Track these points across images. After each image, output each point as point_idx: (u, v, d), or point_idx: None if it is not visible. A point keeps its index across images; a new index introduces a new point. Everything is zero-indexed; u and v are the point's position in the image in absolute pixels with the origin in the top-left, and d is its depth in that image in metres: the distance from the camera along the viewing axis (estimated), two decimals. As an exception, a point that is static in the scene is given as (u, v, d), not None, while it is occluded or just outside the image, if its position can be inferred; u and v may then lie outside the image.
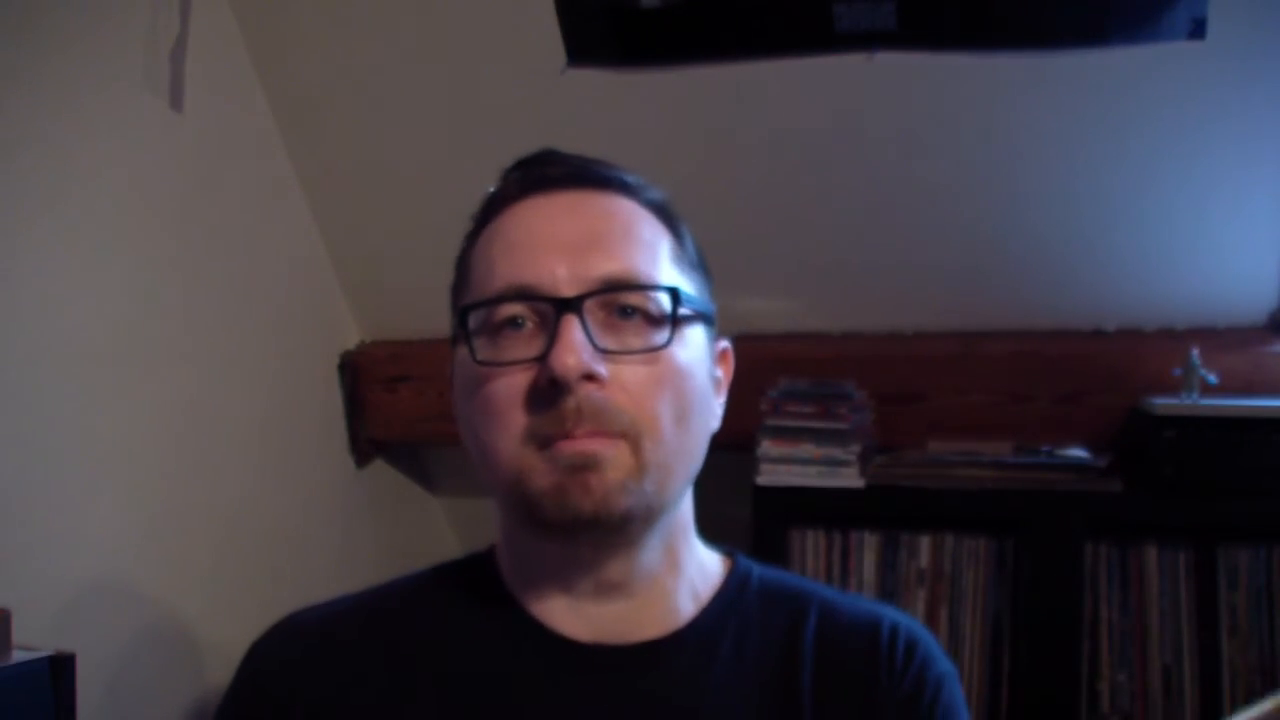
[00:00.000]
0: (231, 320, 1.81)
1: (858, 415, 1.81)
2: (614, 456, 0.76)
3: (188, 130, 1.68)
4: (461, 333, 0.80)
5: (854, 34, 1.64)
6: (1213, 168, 1.70)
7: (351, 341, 2.18)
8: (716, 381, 0.87)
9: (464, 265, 0.86)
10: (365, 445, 2.19)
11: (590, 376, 0.75)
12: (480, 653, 0.83)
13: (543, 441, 0.76)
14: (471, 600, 0.86)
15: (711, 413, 0.85)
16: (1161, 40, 1.56)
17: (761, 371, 1.85)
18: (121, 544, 1.57)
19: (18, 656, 1.22)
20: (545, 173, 0.84)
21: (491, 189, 0.86)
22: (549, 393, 0.76)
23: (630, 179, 0.85)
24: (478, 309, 0.80)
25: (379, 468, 2.25)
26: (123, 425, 1.58)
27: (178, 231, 1.69)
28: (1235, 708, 1.62)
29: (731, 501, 1.78)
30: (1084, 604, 1.69)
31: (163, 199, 1.66)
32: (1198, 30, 1.54)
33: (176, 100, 1.65)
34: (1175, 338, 1.83)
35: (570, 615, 0.82)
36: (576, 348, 0.75)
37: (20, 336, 1.43)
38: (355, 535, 2.15)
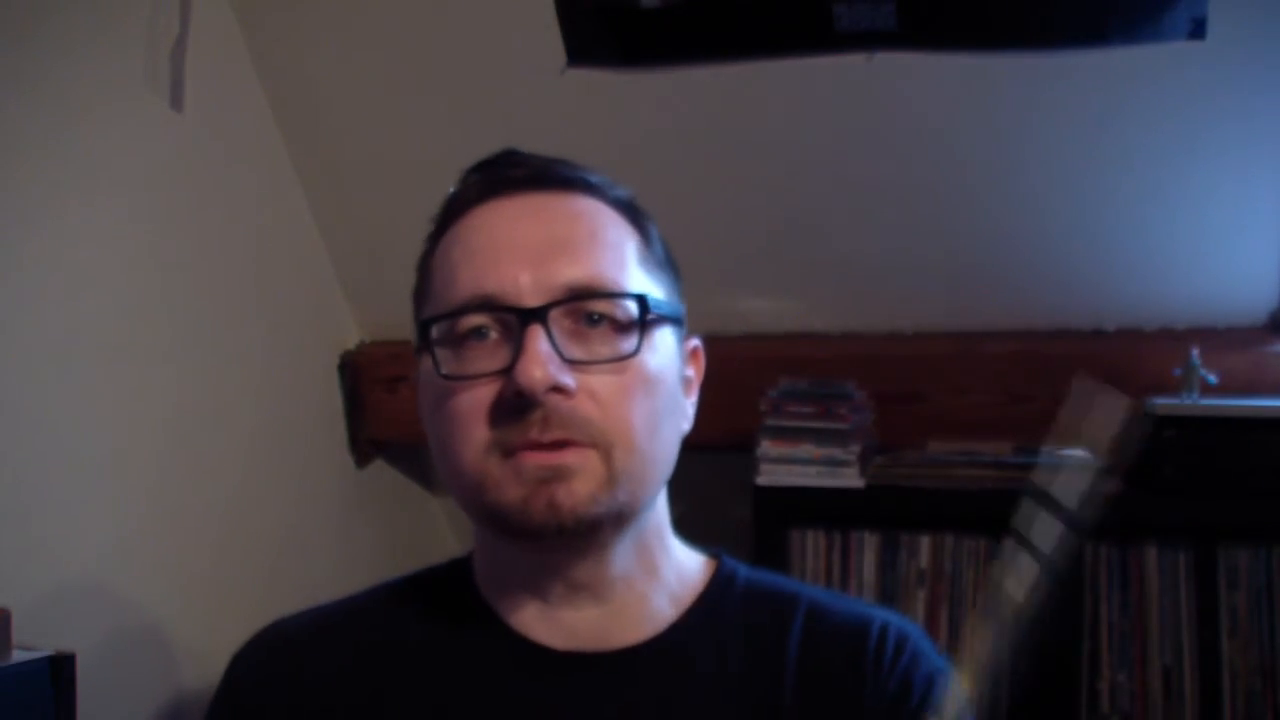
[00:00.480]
0: (231, 320, 1.81)
1: (858, 415, 1.80)
2: (583, 466, 0.74)
3: (188, 130, 1.68)
4: (424, 344, 0.79)
5: (854, 34, 1.63)
6: (1213, 167, 1.70)
7: (351, 341, 2.18)
8: (687, 381, 0.85)
9: (425, 270, 0.84)
10: (365, 445, 2.19)
11: (557, 388, 0.74)
12: (454, 662, 0.82)
13: (508, 451, 0.75)
14: (447, 608, 0.85)
15: (683, 414, 0.83)
16: (1161, 40, 1.56)
17: (761, 371, 1.85)
18: (121, 544, 1.57)
19: (18, 656, 1.22)
20: (506, 174, 0.82)
21: (452, 190, 0.84)
22: (515, 405, 0.74)
23: (594, 178, 0.83)
24: (441, 321, 0.78)
25: (379, 468, 2.25)
26: (122, 425, 1.58)
27: (177, 231, 1.69)
28: (1235, 709, 1.63)
29: (732, 502, 1.78)
30: (1084, 604, 1.69)
31: (163, 199, 1.66)
32: (1198, 30, 1.54)
33: (176, 100, 1.65)
34: (1175, 338, 1.83)
35: (544, 623, 0.81)
36: (543, 360, 0.73)
37: (19, 336, 1.43)
38: (355, 535, 2.15)
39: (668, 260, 0.85)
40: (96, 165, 1.53)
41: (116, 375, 1.57)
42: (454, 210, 0.83)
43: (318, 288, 2.10)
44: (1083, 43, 1.59)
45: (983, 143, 1.75)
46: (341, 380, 2.14)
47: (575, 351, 0.76)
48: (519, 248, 0.77)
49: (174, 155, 1.67)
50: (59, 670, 1.24)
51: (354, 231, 2.06)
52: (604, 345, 0.77)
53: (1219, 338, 1.81)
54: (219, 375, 1.78)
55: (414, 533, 2.35)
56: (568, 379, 0.74)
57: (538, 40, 1.73)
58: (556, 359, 0.74)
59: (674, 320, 0.83)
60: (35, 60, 1.43)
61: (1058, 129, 1.71)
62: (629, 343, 0.77)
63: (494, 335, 0.77)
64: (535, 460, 0.74)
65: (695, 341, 0.88)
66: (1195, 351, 1.69)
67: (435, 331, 0.79)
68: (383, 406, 2.16)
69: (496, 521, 0.77)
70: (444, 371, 0.77)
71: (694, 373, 0.87)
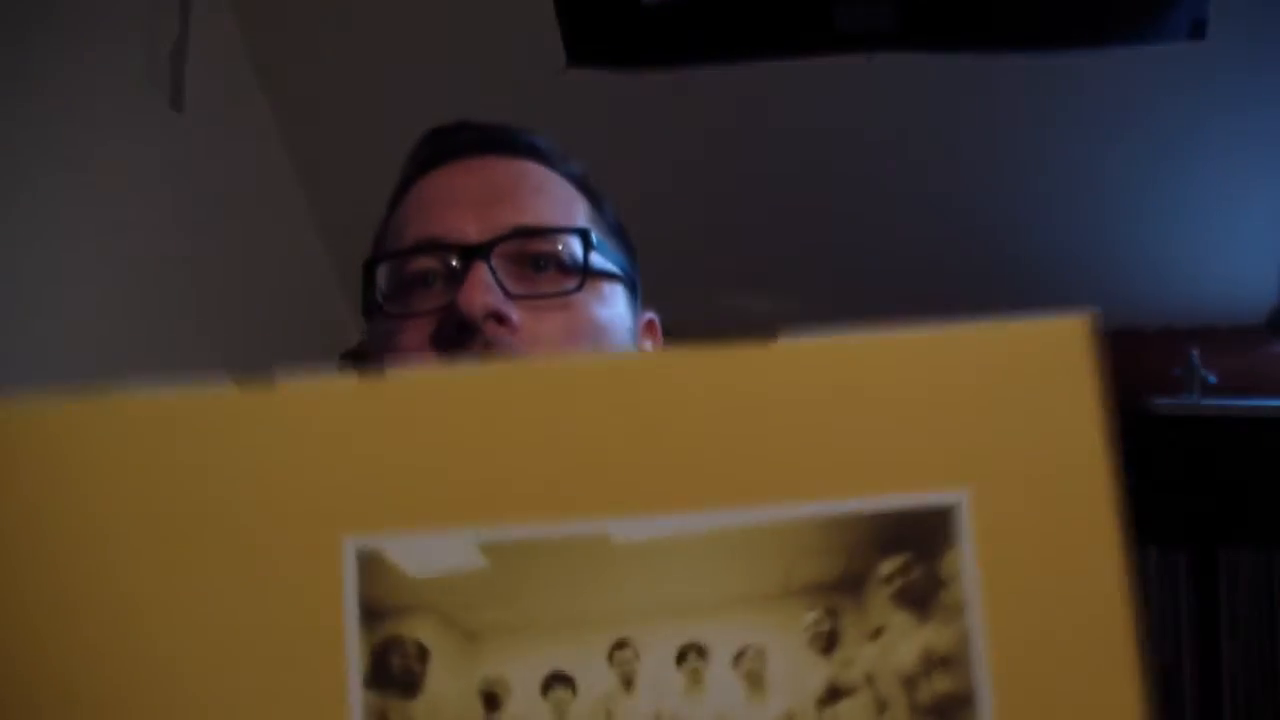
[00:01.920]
0: (231, 320, 1.81)
1: (858, 415, 1.80)
2: None
3: (188, 130, 1.68)
4: (369, 291, 0.79)
5: (854, 34, 1.64)
6: (1212, 167, 1.70)
7: (351, 341, 2.18)
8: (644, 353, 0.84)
9: (379, 243, 0.84)
10: (365, 445, 2.19)
11: (500, 318, 0.72)
12: None
13: None
14: None
15: None
16: (1161, 40, 1.56)
17: (761, 371, 1.84)
18: (121, 544, 1.57)
19: (18, 656, 1.21)
20: (455, 139, 0.83)
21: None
22: (456, 338, 0.72)
23: (544, 144, 0.83)
24: (387, 262, 0.78)
25: (379, 468, 2.25)
26: (123, 425, 1.58)
27: (177, 231, 1.69)
28: (1236, 709, 1.63)
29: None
30: (1084, 604, 1.69)
31: (163, 199, 1.66)
32: (1198, 30, 1.54)
33: (176, 100, 1.65)
34: (1175, 338, 1.83)
35: None
36: (483, 287, 0.72)
37: (19, 336, 1.43)
38: (355, 535, 2.15)
39: (620, 231, 0.85)
40: (96, 165, 1.53)
41: (115, 376, 1.57)
42: (407, 181, 0.83)
43: (318, 288, 2.10)
44: (1083, 43, 1.59)
45: (982, 143, 1.75)
46: (341, 380, 2.14)
47: (519, 289, 0.75)
48: (465, 197, 0.78)
49: (174, 155, 1.67)
50: (59, 670, 1.23)
51: (354, 231, 2.05)
52: (550, 285, 0.76)
53: (1219, 338, 1.81)
54: (218, 376, 1.77)
55: (414, 533, 2.36)
56: (510, 311, 0.73)
57: (538, 40, 1.73)
58: (498, 291, 0.73)
59: (625, 282, 0.82)
60: (35, 60, 1.43)
61: (1057, 129, 1.71)
62: (574, 282, 0.77)
63: (439, 282, 0.75)
64: None
65: (651, 315, 0.87)
66: (1195, 352, 1.69)
67: (381, 278, 0.78)
68: (383, 406, 2.16)
69: None
70: (387, 310, 0.77)
71: (651, 347, 0.85)
